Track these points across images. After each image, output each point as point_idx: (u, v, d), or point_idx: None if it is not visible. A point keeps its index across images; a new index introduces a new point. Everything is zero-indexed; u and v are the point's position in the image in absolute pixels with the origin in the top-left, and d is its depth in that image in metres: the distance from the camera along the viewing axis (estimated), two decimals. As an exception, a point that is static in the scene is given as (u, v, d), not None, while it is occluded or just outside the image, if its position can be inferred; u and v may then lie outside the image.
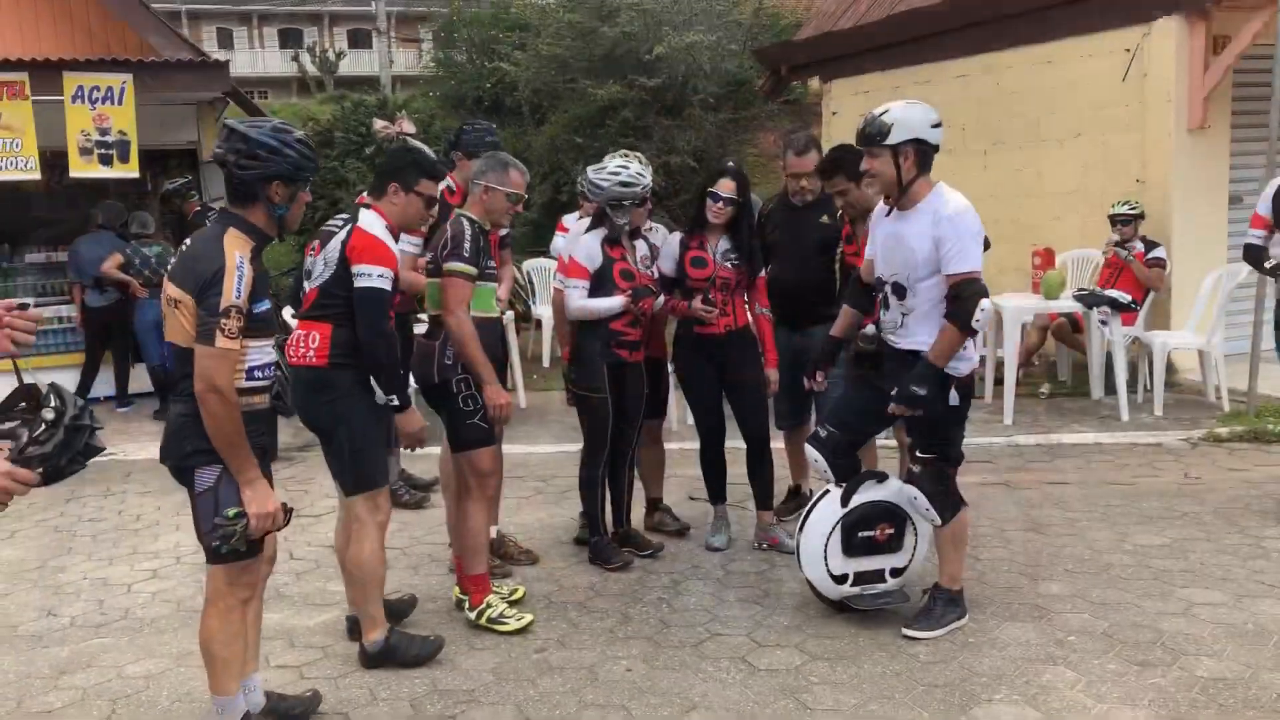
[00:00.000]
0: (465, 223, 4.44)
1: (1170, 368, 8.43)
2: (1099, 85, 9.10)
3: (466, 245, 4.36)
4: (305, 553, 5.60)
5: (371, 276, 3.84)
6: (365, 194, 4.32)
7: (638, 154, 5.17)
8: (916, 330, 4.15)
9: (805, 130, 5.70)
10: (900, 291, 4.21)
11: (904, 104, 4.22)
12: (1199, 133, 8.56)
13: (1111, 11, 8.89)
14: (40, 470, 2.53)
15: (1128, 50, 8.81)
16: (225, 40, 47.26)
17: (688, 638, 4.27)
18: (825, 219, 5.32)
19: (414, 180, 4.08)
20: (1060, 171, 9.55)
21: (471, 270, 4.37)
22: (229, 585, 3.32)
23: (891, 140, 4.08)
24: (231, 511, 3.16)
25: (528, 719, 3.66)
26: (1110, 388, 8.04)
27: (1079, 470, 6.59)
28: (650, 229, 5.44)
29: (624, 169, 4.94)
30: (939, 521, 4.20)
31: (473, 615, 4.44)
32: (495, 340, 4.69)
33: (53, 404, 2.60)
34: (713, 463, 5.38)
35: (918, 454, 4.25)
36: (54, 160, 8.47)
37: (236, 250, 3.14)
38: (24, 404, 2.60)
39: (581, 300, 4.96)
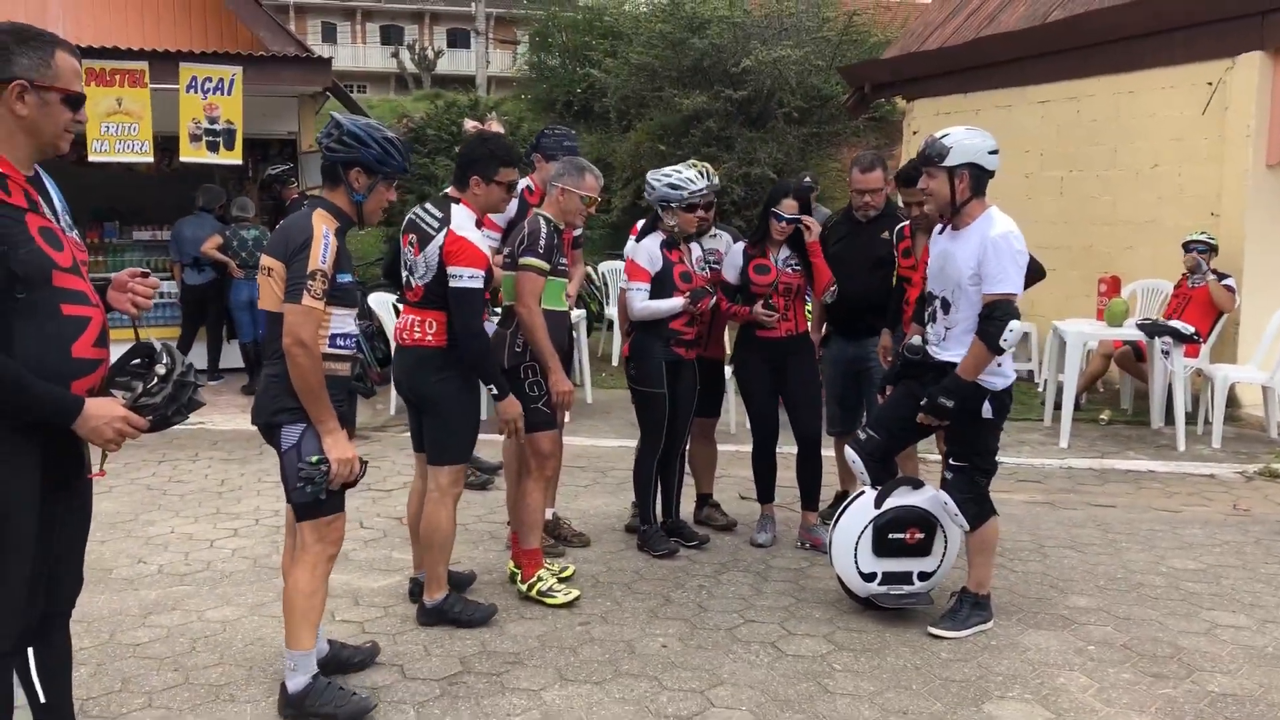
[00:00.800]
0: (541, 221, 4.76)
1: (1234, 402, 8.46)
2: (1179, 117, 9.15)
3: (541, 242, 4.69)
4: (374, 523, 5.97)
5: (463, 278, 4.19)
6: (451, 187, 4.65)
7: (705, 164, 5.43)
8: (955, 345, 4.36)
9: (873, 149, 5.91)
10: (946, 306, 4.42)
11: (964, 129, 4.42)
12: (1277, 169, 8.57)
13: (1196, 44, 8.93)
14: (150, 418, 2.88)
15: (1210, 84, 8.85)
16: (329, 34, 48.59)
17: (723, 622, 4.53)
18: (886, 234, 5.54)
19: (494, 170, 4.38)
20: (1135, 201, 9.60)
21: (544, 265, 4.69)
22: (317, 540, 3.60)
23: (949, 162, 4.30)
24: (314, 458, 3.48)
25: (565, 681, 3.95)
26: (1170, 418, 8.10)
27: (1127, 495, 6.69)
28: (714, 235, 5.70)
29: (675, 172, 5.22)
30: (967, 527, 4.40)
31: (524, 587, 4.75)
32: (563, 333, 5.01)
33: (164, 361, 2.95)
34: (764, 463, 5.62)
35: (950, 461, 4.45)
36: (164, 145, 9.01)
37: (324, 224, 3.48)
38: (139, 360, 2.96)
39: (644, 301, 5.25)
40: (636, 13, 18.79)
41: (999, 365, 4.29)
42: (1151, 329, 7.85)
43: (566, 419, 7.34)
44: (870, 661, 4.14)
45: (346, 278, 3.56)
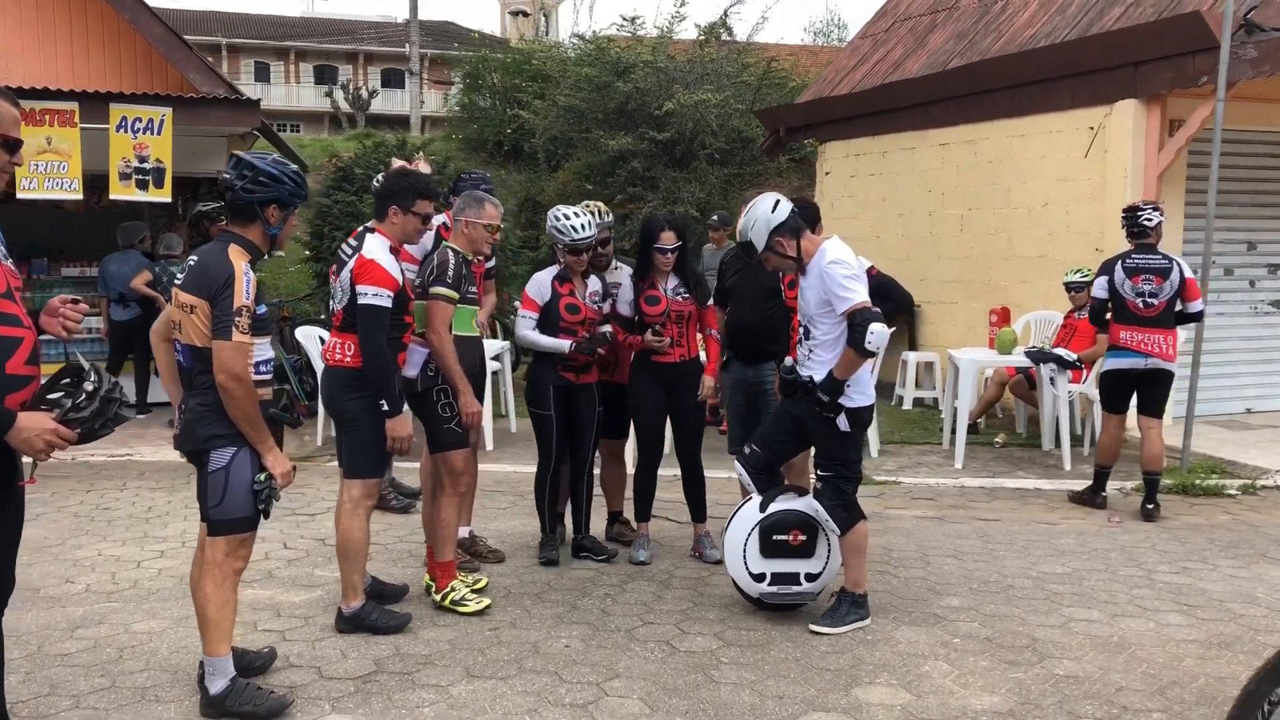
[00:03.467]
0: (450, 253, 5.13)
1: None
2: (1065, 159, 9.78)
3: (450, 272, 5.05)
4: (298, 544, 6.23)
5: (368, 295, 4.52)
6: (373, 220, 4.98)
7: (599, 205, 5.85)
8: (818, 361, 4.85)
9: (795, 189, 6.42)
10: (808, 331, 4.92)
11: (745, 213, 4.94)
12: (1153, 207, 9.19)
13: (1078, 92, 9.58)
14: (78, 431, 3.18)
15: (1091, 128, 9.49)
16: (262, 73, 48.60)
17: (623, 624, 4.87)
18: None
19: (411, 201, 4.75)
20: (1028, 237, 10.20)
21: (453, 294, 5.05)
22: (227, 555, 3.88)
23: (761, 247, 4.86)
24: (262, 476, 3.82)
25: (472, 677, 4.26)
26: (1060, 440, 8.63)
27: (1012, 510, 7.17)
28: (616, 268, 6.09)
29: (565, 217, 5.57)
30: (838, 531, 4.84)
31: (438, 598, 5.05)
32: (474, 357, 5.35)
33: (92, 379, 3.26)
34: (646, 484, 5.99)
35: (819, 472, 4.91)
36: (94, 183, 9.21)
37: (242, 260, 3.78)
38: (68, 379, 3.26)
39: (528, 330, 5.65)
40: (564, 56, 19.30)
41: (858, 387, 4.76)
42: (1037, 356, 8.38)
43: (485, 443, 7.70)
44: (755, 655, 4.51)
45: (263, 308, 3.88)
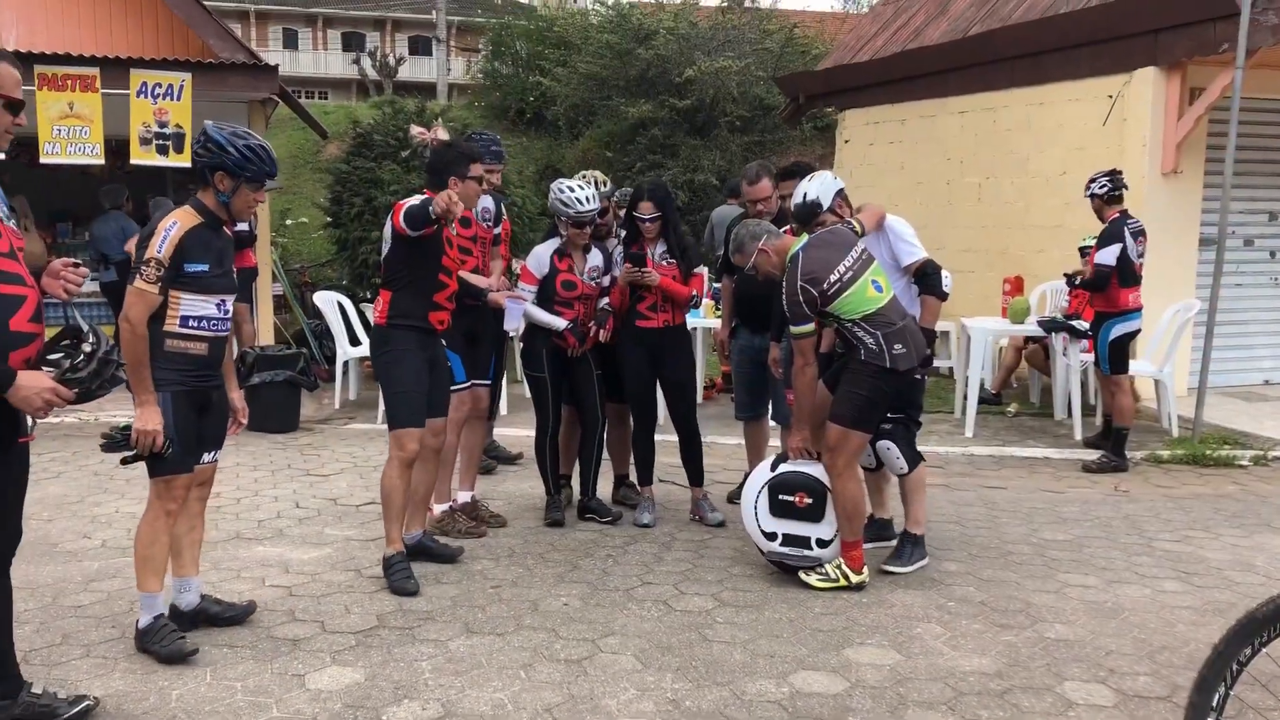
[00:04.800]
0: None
1: (1133, 396, 8.97)
2: (1083, 128, 9.70)
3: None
4: (310, 503, 6.34)
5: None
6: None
7: (597, 174, 5.89)
8: None
9: (758, 161, 6.46)
10: None
11: (807, 181, 5.23)
12: (1172, 177, 9.14)
13: (1098, 60, 9.49)
14: (76, 390, 3.29)
15: (1110, 96, 9.41)
16: (290, 40, 48.67)
17: (622, 584, 4.96)
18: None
19: (465, 169, 5.01)
20: (1045, 206, 10.14)
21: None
22: (158, 496, 4.04)
23: (826, 205, 5.13)
24: (122, 423, 3.92)
25: (471, 633, 4.36)
26: (1072, 409, 8.63)
27: (1020, 479, 7.19)
28: (619, 236, 6.13)
29: (569, 189, 5.62)
30: (905, 469, 5.12)
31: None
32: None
33: (90, 340, 3.35)
34: (644, 447, 6.06)
35: (889, 414, 5.08)
36: (116, 148, 9.33)
37: (175, 218, 3.91)
38: (68, 340, 3.36)
39: (527, 305, 5.74)
40: (586, 23, 19.26)
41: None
42: (1050, 325, 8.36)
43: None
44: (749, 616, 4.58)
45: (199, 267, 3.92)
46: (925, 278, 5.22)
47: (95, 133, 8.91)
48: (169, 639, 4.05)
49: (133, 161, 9.22)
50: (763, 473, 5.14)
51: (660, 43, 16.11)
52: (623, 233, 6.06)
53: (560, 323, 5.69)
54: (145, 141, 9.05)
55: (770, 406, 6.27)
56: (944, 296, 5.24)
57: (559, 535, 5.75)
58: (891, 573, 5.07)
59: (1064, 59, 9.81)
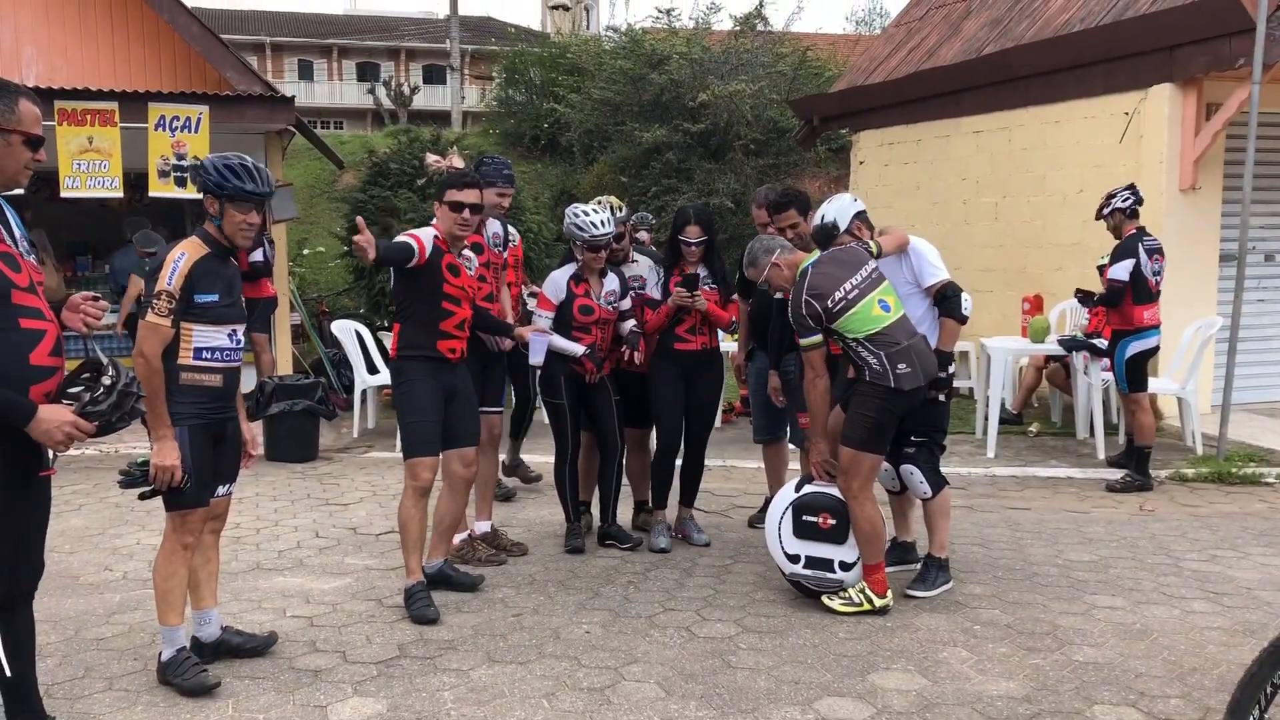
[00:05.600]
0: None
1: (1155, 414, 8.90)
2: (1100, 145, 9.67)
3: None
4: (330, 533, 6.33)
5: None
6: None
7: (612, 199, 5.89)
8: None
9: (769, 186, 6.48)
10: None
11: (826, 204, 5.28)
12: (1190, 193, 9.09)
13: (1113, 78, 9.47)
14: (96, 424, 3.29)
15: (1126, 114, 9.38)
16: (305, 71, 49.13)
17: (644, 611, 4.92)
18: None
19: (442, 195, 4.97)
20: (1062, 225, 10.10)
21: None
22: (174, 530, 4.04)
23: (844, 227, 5.17)
24: (140, 459, 3.92)
25: (493, 662, 4.33)
26: (1094, 429, 8.57)
27: (1043, 499, 7.13)
28: (634, 261, 6.13)
29: (584, 213, 5.62)
30: (930, 494, 5.07)
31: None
32: None
33: (110, 374, 3.36)
34: (665, 472, 6.05)
35: (912, 438, 5.09)
36: (134, 181, 9.40)
37: (183, 248, 3.93)
38: (88, 374, 3.37)
39: (551, 336, 5.74)
40: (599, 49, 19.37)
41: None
42: (1070, 344, 8.31)
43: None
44: (773, 641, 4.54)
45: (209, 297, 3.92)
46: (945, 300, 5.18)
47: (114, 166, 8.98)
48: (191, 672, 4.03)
49: (151, 194, 9.29)
50: (787, 494, 5.14)
51: (674, 67, 16.17)
52: (635, 259, 6.07)
53: (578, 349, 5.68)
54: (163, 174, 9.12)
55: (788, 429, 6.25)
56: (963, 320, 5.19)
57: (580, 562, 5.72)
58: (914, 597, 5.03)
59: (1078, 77, 9.79)
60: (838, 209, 5.16)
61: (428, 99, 44.83)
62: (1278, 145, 9.52)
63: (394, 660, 4.36)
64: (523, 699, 3.98)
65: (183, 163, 9.10)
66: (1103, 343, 8.24)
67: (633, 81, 16.32)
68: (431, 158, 8.16)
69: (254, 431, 4.45)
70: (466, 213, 4.95)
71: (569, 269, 5.82)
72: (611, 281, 5.90)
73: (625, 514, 6.28)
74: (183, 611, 4.12)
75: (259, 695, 4.02)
